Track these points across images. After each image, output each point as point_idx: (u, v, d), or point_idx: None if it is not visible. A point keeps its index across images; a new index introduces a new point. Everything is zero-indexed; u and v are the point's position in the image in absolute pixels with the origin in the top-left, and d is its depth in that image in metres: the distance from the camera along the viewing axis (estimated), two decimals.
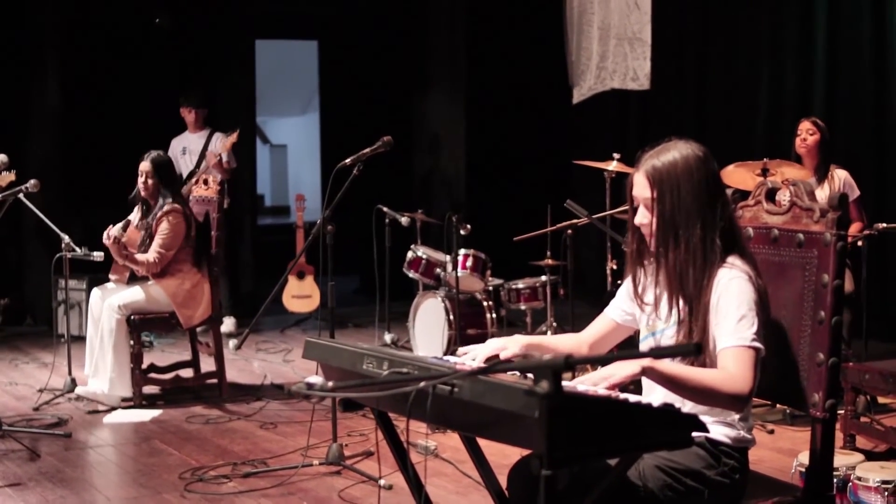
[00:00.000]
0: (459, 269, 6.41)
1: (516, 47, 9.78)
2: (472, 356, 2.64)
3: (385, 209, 7.19)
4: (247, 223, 9.71)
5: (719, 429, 2.55)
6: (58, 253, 6.04)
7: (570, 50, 9.13)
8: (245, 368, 6.86)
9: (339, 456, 4.54)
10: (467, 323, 6.56)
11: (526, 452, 2.55)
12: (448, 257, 6.58)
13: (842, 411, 4.47)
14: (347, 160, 4.57)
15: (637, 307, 2.71)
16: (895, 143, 7.18)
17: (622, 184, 2.87)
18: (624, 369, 2.32)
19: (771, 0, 7.95)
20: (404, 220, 7.08)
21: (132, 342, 5.72)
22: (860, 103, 7.36)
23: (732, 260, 2.53)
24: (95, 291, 5.91)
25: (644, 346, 2.68)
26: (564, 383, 2.00)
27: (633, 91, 8.60)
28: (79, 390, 5.77)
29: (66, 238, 5.94)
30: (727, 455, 2.54)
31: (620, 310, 2.79)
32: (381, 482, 4.21)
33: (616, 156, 6.47)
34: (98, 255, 5.84)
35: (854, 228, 5.71)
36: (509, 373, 2.17)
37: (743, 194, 2.89)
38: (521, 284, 6.81)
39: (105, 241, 5.56)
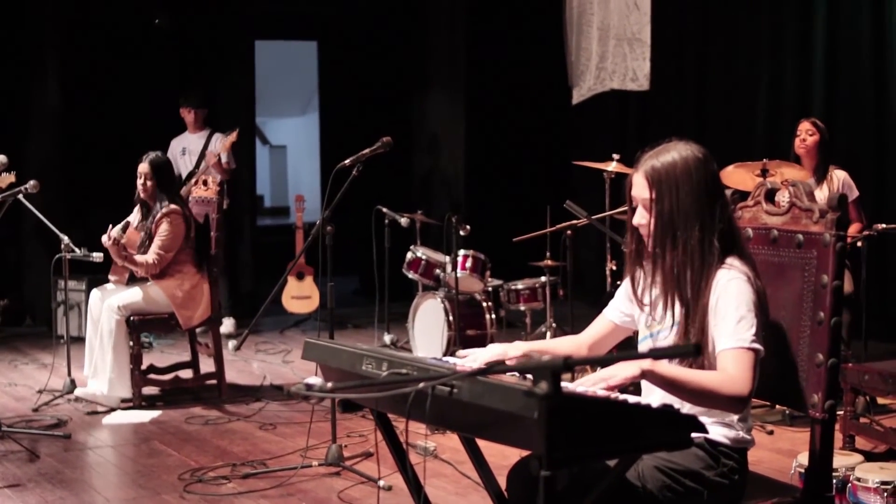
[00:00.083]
0: (459, 270, 6.40)
1: (516, 48, 9.78)
2: (473, 359, 2.64)
3: (384, 210, 7.19)
4: (246, 224, 9.71)
5: (718, 429, 2.54)
6: (57, 254, 6.04)
7: (569, 50, 9.13)
8: (244, 369, 6.86)
9: (339, 457, 4.54)
10: (467, 324, 6.56)
11: (525, 453, 2.55)
12: (447, 258, 6.58)
13: (841, 412, 4.46)
14: (347, 161, 4.57)
15: (636, 308, 2.71)
16: (894, 143, 7.18)
17: (622, 184, 2.87)
18: (623, 371, 2.31)
19: (771, 0, 7.95)
20: (404, 221, 7.08)
21: (131, 343, 5.72)
22: (860, 104, 7.36)
23: (731, 261, 2.53)
24: (95, 292, 5.91)
25: (643, 346, 2.68)
26: (563, 384, 2.00)
27: (632, 91, 8.60)
28: (78, 392, 5.77)
29: (66, 239, 5.94)
30: (726, 456, 2.54)
31: (619, 311, 2.79)
32: (381, 483, 4.21)
33: (615, 156, 6.47)
34: (97, 256, 5.84)
35: (853, 229, 5.71)
36: (508, 374, 2.17)
37: (742, 195, 2.89)
38: (520, 285, 6.81)
39: (105, 242, 5.56)
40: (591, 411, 2.07)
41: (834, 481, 3.57)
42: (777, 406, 4.95)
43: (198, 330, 6.17)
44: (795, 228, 2.67)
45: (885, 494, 3.61)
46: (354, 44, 10.68)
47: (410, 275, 6.94)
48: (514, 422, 1.98)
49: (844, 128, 7.30)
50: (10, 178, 5.69)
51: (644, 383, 2.54)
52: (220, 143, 7.52)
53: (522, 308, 6.83)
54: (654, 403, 2.18)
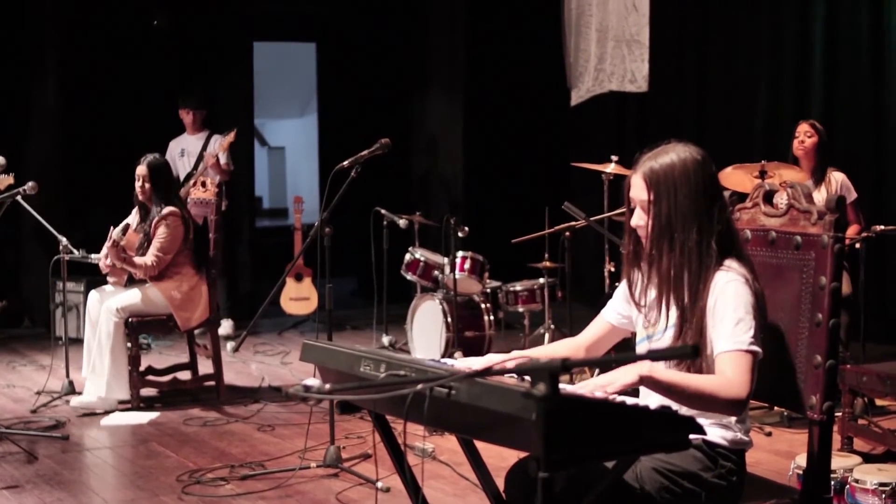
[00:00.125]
0: (457, 272, 6.40)
1: (515, 49, 9.78)
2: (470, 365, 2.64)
3: (383, 211, 7.19)
4: (245, 225, 9.70)
5: (716, 431, 2.54)
6: (56, 255, 6.04)
7: (568, 52, 9.14)
8: (243, 371, 6.86)
9: (337, 458, 4.54)
10: (465, 325, 6.56)
11: (523, 455, 2.55)
12: (446, 259, 6.58)
13: (839, 413, 4.47)
14: (345, 162, 4.57)
15: (633, 309, 2.70)
16: (893, 145, 7.19)
17: (620, 186, 2.87)
18: (621, 378, 2.31)
19: (770, 1, 7.95)
20: (402, 223, 7.08)
21: (130, 344, 5.71)
22: (858, 106, 7.36)
23: (729, 263, 2.53)
24: (93, 294, 5.90)
25: (640, 348, 2.68)
26: (562, 387, 2.00)
27: (631, 93, 8.60)
28: (73, 402, 5.68)
29: (64, 240, 5.94)
30: (724, 457, 2.54)
31: (616, 312, 2.79)
32: (379, 484, 4.21)
33: (614, 158, 6.47)
34: (96, 258, 5.84)
35: (851, 231, 5.71)
36: (507, 376, 2.17)
37: (741, 196, 2.89)
38: (518, 287, 6.81)
39: (107, 252, 5.57)
40: (588, 413, 2.07)
41: (832, 483, 3.57)
42: (775, 407, 4.95)
43: (196, 331, 6.17)
44: (794, 230, 2.67)
45: (884, 496, 3.60)
46: (353, 45, 10.68)
47: (409, 276, 6.94)
48: (512, 423, 1.98)
49: (843, 129, 7.31)
50: (8, 179, 5.69)
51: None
52: (218, 144, 7.52)
53: (521, 309, 6.83)
54: (652, 405, 2.18)
